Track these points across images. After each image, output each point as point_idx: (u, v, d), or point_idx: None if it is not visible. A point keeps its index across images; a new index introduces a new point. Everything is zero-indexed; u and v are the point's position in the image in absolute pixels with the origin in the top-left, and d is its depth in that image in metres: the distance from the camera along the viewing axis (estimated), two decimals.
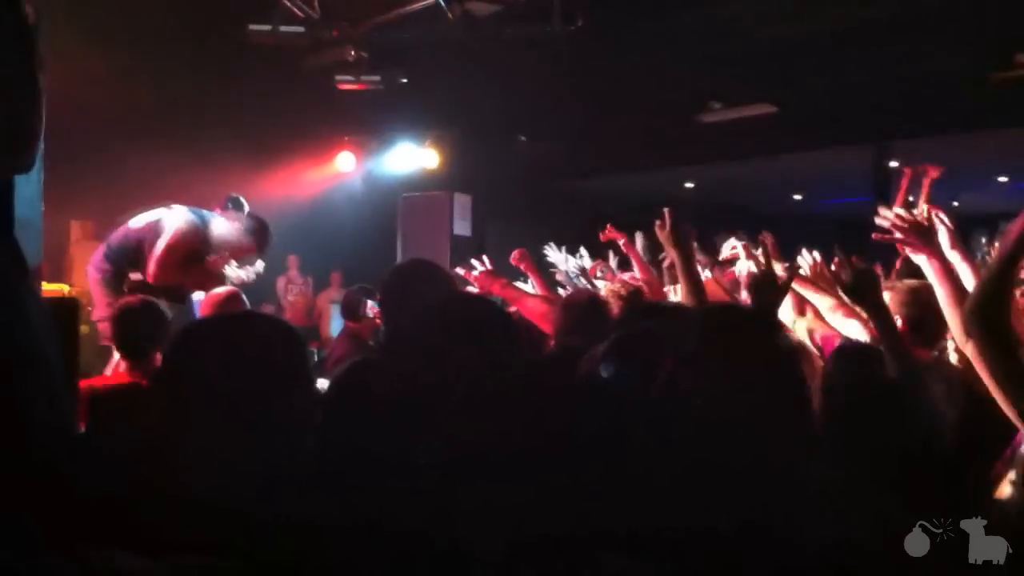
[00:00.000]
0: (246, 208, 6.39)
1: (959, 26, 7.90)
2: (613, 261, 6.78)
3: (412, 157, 11.89)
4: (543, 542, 1.62)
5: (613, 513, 1.69)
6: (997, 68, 9.12)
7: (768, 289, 3.26)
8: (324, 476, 1.84)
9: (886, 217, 2.89)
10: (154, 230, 5.95)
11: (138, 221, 6.04)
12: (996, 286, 2.21)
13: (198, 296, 7.09)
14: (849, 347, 3.30)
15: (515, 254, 5.76)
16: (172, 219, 6.00)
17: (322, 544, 1.56)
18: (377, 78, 8.32)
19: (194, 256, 5.99)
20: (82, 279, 6.82)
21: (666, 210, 3.52)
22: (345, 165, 11.82)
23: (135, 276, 5.84)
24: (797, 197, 17.22)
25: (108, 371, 4.93)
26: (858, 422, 2.37)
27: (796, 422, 1.92)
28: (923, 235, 2.82)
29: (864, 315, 3.25)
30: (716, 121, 11.13)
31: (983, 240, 5.37)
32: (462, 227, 12.30)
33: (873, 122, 10.59)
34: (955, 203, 14.06)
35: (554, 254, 6.77)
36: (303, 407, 1.86)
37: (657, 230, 3.56)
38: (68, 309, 3.81)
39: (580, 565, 1.61)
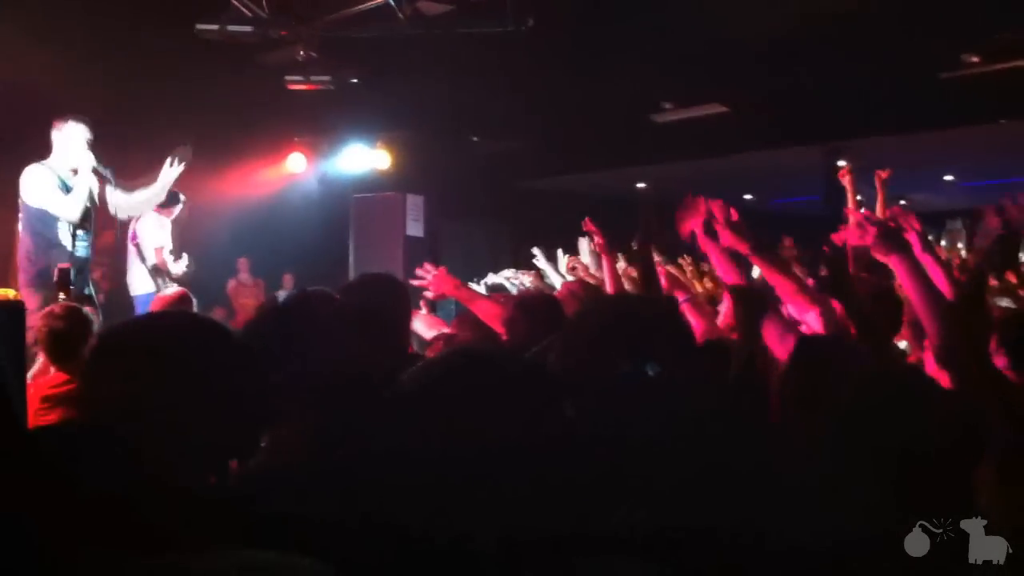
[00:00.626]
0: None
1: (908, 26, 8.00)
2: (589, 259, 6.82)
3: (364, 158, 11.84)
4: (543, 542, 1.61)
5: (612, 513, 1.69)
6: (945, 68, 9.26)
7: None
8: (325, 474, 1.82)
9: (856, 220, 2.90)
10: None
11: None
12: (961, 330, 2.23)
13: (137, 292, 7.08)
14: (813, 340, 3.31)
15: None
16: None
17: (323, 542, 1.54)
18: (327, 78, 8.26)
19: None
20: None
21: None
22: (296, 166, 11.74)
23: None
24: (748, 196, 17.36)
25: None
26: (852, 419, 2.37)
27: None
28: (892, 238, 2.82)
29: (821, 305, 3.26)
30: (668, 121, 11.21)
31: (929, 238, 5.45)
32: (415, 228, 12.25)
33: (822, 122, 10.70)
34: (903, 202, 14.24)
35: (541, 259, 6.83)
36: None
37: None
38: (14, 312, 3.78)
39: (580, 566, 1.60)
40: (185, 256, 8.04)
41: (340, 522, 1.59)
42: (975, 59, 9.03)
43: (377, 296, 3.11)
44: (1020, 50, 8.68)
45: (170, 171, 6.67)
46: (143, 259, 7.96)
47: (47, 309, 4.51)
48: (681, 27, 7.93)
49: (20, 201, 6.17)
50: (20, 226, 6.24)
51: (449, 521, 1.59)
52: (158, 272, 7.85)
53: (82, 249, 6.26)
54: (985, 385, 2.11)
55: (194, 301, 5.42)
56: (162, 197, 6.96)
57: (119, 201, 6.54)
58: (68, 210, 6.12)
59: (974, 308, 2.21)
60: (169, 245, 8.04)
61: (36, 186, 6.11)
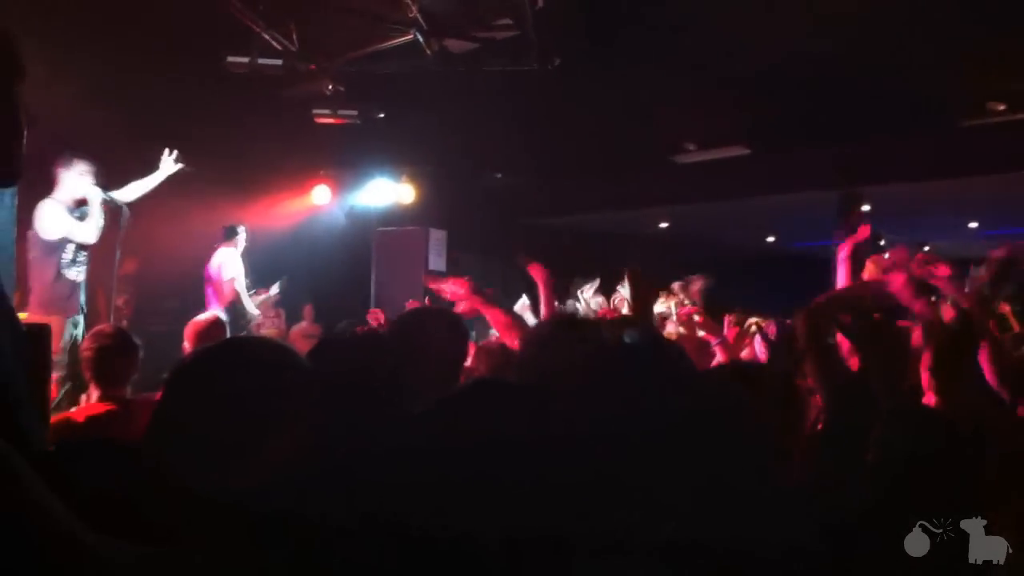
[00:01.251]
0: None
1: (931, 72, 8.02)
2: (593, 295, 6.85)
3: (388, 192, 11.91)
4: (544, 542, 1.63)
5: (615, 515, 1.70)
6: (969, 116, 9.25)
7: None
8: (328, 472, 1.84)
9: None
10: None
11: None
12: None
13: None
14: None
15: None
16: None
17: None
18: (354, 112, 8.34)
19: None
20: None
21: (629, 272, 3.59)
22: (321, 198, 11.83)
23: None
24: (770, 239, 17.35)
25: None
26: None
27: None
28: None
29: None
30: (690, 162, 11.25)
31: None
32: (436, 262, 12.31)
33: (844, 166, 10.70)
34: (926, 247, 14.20)
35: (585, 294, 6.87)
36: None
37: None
38: (40, 335, 3.81)
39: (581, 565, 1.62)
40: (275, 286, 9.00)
41: (344, 522, 1.61)
42: (1001, 107, 9.03)
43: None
44: None
45: (169, 160, 7.28)
46: (218, 296, 8.39)
47: (96, 330, 4.54)
48: (704, 68, 7.98)
49: (32, 233, 6.60)
50: (33, 255, 6.63)
51: (452, 521, 1.61)
52: (232, 305, 8.29)
53: (83, 274, 6.80)
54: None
55: (227, 326, 5.54)
56: (154, 184, 7.33)
57: (117, 195, 7.01)
58: (88, 235, 6.69)
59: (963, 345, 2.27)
60: (241, 276, 8.47)
61: (54, 218, 6.62)
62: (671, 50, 7.61)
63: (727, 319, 5.52)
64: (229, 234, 8.84)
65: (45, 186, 6.64)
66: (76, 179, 6.72)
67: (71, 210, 6.71)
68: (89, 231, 6.69)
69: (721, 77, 8.12)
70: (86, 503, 1.62)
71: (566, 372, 2.27)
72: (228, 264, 8.75)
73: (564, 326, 2.85)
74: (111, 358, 4.17)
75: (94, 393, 4.24)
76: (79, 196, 6.73)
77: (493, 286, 6.02)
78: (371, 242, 12.38)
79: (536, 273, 5.30)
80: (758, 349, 4.50)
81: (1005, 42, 7.41)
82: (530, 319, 6.60)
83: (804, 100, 8.83)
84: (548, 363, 2.46)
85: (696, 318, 5.05)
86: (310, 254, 11.71)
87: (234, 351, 1.86)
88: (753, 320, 5.45)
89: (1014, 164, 10.23)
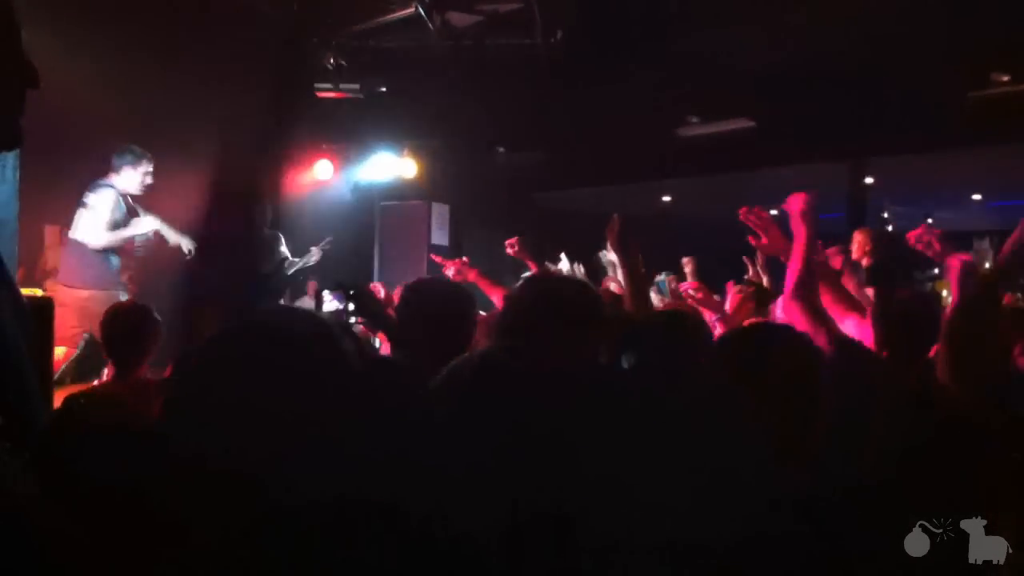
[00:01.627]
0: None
1: (936, 45, 7.98)
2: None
3: (391, 166, 11.88)
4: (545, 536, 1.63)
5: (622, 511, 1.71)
6: (973, 87, 9.21)
7: None
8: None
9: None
10: None
11: None
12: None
13: None
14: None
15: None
16: None
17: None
18: (356, 86, 8.31)
19: None
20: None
21: (615, 216, 3.57)
22: (323, 173, 11.80)
23: None
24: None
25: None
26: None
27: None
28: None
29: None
30: (694, 135, 11.20)
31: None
32: (440, 236, 12.30)
33: (849, 138, 10.66)
34: (929, 220, 14.19)
35: (564, 263, 6.86)
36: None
37: (607, 232, 3.60)
38: (42, 308, 3.81)
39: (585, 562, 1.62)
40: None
41: (348, 511, 1.61)
42: (1005, 78, 8.98)
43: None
44: None
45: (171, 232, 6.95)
46: None
47: (114, 306, 4.32)
48: (709, 42, 7.94)
49: (82, 212, 6.55)
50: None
51: (452, 513, 1.61)
52: None
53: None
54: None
55: None
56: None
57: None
58: (145, 226, 6.71)
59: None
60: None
61: (113, 207, 6.56)
62: (673, 22, 7.57)
63: (729, 286, 5.53)
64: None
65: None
66: (140, 178, 6.74)
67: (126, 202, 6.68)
68: (146, 223, 6.71)
69: (726, 51, 8.08)
70: (87, 493, 1.61)
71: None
72: None
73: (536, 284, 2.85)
74: (125, 337, 3.95)
75: (108, 372, 4.15)
76: (134, 191, 6.74)
77: (499, 260, 6.08)
78: (375, 217, 12.36)
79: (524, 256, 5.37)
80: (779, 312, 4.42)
81: (1010, 12, 7.36)
82: None
83: (808, 73, 8.80)
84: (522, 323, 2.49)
85: (695, 293, 5.04)
86: (312, 229, 11.69)
87: (259, 329, 1.84)
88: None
89: (1018, 135, 10.19)
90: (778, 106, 10.04)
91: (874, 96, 9.48)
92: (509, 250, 5.53)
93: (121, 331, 3.97)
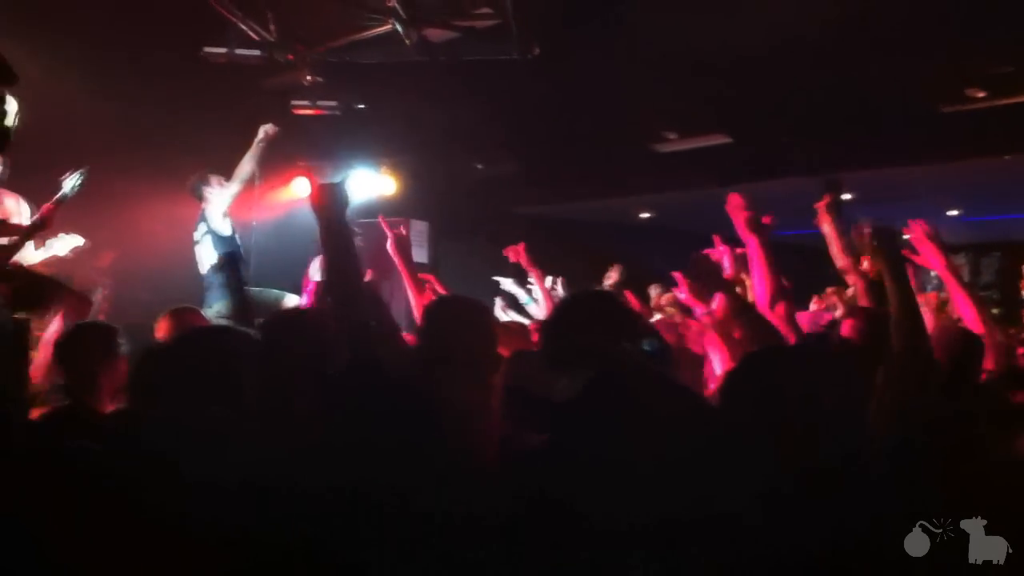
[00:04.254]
0: None
1: (911, 59, 8.01)
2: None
3: (369, 183, 11.82)
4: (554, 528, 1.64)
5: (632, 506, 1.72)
6: (948, 101, 9.26)
7: None
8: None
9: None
10: None
11: None
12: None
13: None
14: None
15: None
16: None
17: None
18: (333, 103, 8.28)
19: None
20: None
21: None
22: (301, 190, 11.72)
23: None
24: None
25: None
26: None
27: None
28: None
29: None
30: (671, 151, 11.22)
31: (932, 273, 5.49)
32: (419, 254, 12.21)
33: (823, 153, 10.67)
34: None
35: (509, 285, 6.85)
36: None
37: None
38: (19, 328, 3.78)
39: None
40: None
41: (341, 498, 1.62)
42: (980, 94, 9.03)
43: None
44: None
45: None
46: None
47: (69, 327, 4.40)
48: (684, 57, 7.95)
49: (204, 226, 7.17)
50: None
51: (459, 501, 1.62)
52: None
53: None
54: None
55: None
56: None
57: None
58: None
59: None
60: None
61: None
62: (649, 38, 7.57)
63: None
64: None
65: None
66: (221, 206, 7.28)
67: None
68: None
69: (701, 64, 8.09)
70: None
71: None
72: None
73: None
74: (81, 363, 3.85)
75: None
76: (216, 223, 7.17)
77: (477, 275, 6.06)
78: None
79: (523, 260, 5.33)
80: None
81: (985, 28, 7.41)
82: (535, 309, 6.60)
83: (784, 87, 8.82)
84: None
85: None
86: (290, 246, 11.60)
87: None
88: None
89: (993, 151, 10.25)
90: (753, 121, 10.07)
91: (849, 110, 9.52)
92: (512, 257, 5.50)
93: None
